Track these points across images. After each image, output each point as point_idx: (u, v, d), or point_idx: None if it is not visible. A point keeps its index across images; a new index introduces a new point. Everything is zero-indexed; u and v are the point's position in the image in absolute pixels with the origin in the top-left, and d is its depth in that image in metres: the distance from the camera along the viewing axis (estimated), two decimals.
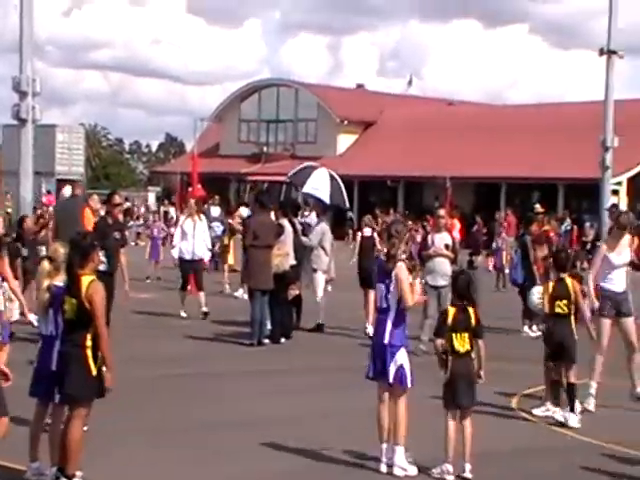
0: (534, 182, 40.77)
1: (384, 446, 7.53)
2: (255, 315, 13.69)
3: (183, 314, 16.17)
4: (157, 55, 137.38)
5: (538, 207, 22.67)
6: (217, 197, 29.54)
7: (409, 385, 7.62)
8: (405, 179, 45.32)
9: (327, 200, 15.79)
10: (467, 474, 7.45)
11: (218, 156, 51.93)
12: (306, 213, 18.07)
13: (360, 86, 58.17)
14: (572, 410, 9.23)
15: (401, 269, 7.59)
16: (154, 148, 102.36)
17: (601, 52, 24.88)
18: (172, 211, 41.92)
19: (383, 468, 7.51)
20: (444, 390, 7.66)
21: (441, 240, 13.87)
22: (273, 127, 52.33)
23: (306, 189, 15.98)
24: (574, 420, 9.17)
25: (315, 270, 15.55)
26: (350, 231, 26.82)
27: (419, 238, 24.96)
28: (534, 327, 15.62)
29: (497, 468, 7.88)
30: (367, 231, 16.93)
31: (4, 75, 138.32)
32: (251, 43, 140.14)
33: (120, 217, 13.62)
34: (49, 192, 37.23)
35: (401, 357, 7.55)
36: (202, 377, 11.43)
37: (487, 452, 8.25)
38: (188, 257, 16.40)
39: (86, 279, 6.79)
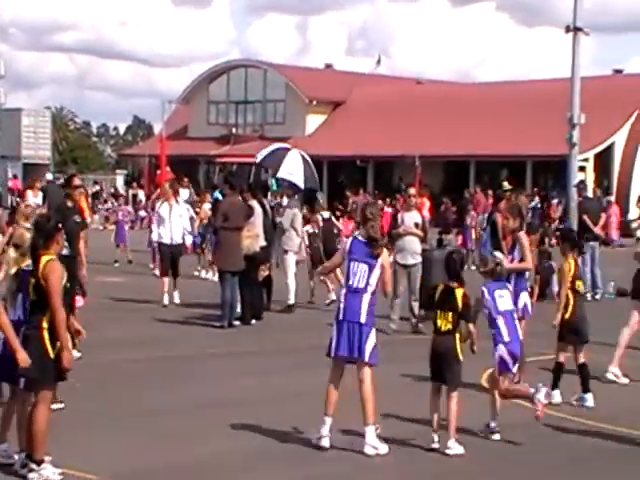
0: (502, 160, 40.93)
1: (328, 420, 7.56)
2: (225, 297, 13.67)
3: (165, 301, 15.59)
4: (124, 37, 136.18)
5: (506, 184, 22.80)
6: (186, 180, 29.40)
7: (377, 363, 7.70)
8: (374, 159, 45.34)
9: (302, 185, 15.73)
10: (448, 450, 7.53)
11: (187, 138, 51.67)
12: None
13: (329, 66, 57.99)
14: (586, 391, 9.25)
15: (387, 256, 7.72)
16: (122, 131, 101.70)
17: (567, 29, 24.95)
18: (141, 194, 41.71)
19: (325, 442, 7.53)
20: (429, 364, 7.80)
21: (411, 219, 13.90)
22: (242, 108, 52.11)
23: (281, 174, 15.89)
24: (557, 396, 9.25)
25: (286, 251, 15.55)
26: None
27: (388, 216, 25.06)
28: None
29: (472, 442, 7.95)
30: (325, 214, 16.94)
31: None
32: (219, 24, 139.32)
33: (81, 200, 13.43)
34: (15, 176, 36.88)
35: (374, 336, 7.63)
36: (172, 360, 11.42)
37: (465, 428, 8.33)
38: (167, 241, 16.05)
39: (45, 258, 6.78)
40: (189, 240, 16.99)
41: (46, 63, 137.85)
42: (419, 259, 13.82)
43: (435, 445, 7.60)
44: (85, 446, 7.59)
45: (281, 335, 13.43)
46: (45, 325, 6.75)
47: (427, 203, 28.59)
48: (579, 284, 9.45)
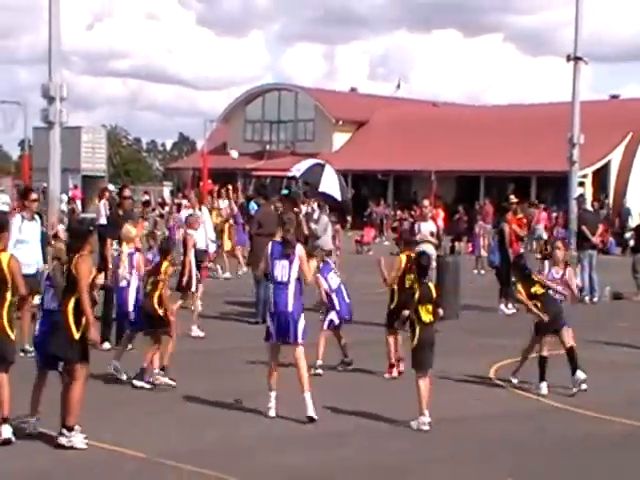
0: (509, 175, 40.72)
1: (273, 394, 8.03)
2: (260, 296, 13.69)
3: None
4: (171, 63, 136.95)
5: (513, 197, 22.72)
6: (224, 191, 29.49)
7: (303, 340, 8.09)
8: (394, 173, 45.25)
9: (339, 198, 15.84)
10: (426, 423, 7.71)
11: (226, 154, 51.83)
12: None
13: (353, 90, 57.96)
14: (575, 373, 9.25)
15: (302, 250, 8.14)
16: (169, 147, 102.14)
17: (568, 58, 24.85)
18: (184, 203, 41.82)
19: (272, 413, 7.95)
20: (413, 355, 7.87)
21: (426, 228, 13.92)
22: (275, 127, 52.22)
23: (322, 188, 15.87)
24: (544, 388, 9.23)
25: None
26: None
27: (405, 225, 25.03)
28: (509, 305, 15.68)
29: (473, 431, 7.94)
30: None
31: (35, 83, 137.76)
32: (255, 52, 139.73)
33: (131, 208, 13.48)
34: (75, 187, 37.17)
35: (302, 319, 8.07)
36: (212, 352, 11.47)
37: (466, 417, 8.33)
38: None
39: (77, 255, 7.10)
40: (212, 248, 16.04)
41: (102, 86, 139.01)
42: (434, 264, 13.78)
43: (426, 427, 7.74)
44: (135, 428, 7.66)
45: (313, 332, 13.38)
46: (70, 309, 6.99)
47: (442, 214, 28.52)
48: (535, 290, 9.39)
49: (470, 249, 26.15)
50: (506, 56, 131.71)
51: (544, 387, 9.24)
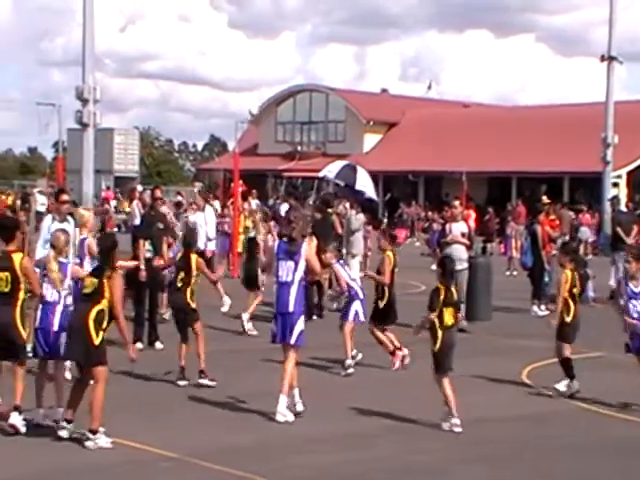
0: (542, 176, 40.41)
1: (295, 391, 7.91)
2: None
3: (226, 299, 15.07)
4: (202, 65, 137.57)
5: (545, 199, 22.53)
6: (254, 191, 29.68)
7: (302, 345, 8.02)
8: (425, 174, 45.10)
9: (375, 197, 15.94)
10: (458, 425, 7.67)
11: (257, 155, 51.94)
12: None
13: (384, 90, 57.84)
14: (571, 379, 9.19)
15: (306, 248, 8.07)
16: (200, 148, 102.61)
17: (602, 58, 24.60)
18: (216, 204, 42.02)
19: (281, 418, 7.76)
20: (436, 358, 7.82)
21: (458, 228, 13.85)
22: (306, 128, 52.27)
23: (358, 187, 15.95)
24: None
25: (353, 255, 15.47)
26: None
27: (436, 226, 24.94)
28: (542, 307, 15.55)
29: (504, 432, 7.89)
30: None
31: (69, 85, 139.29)
32: (286, 53, 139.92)
33: (164, 209, 13.55)
34: (108, 188, 37.52)
35: (301, 323, 7.93)
36: (244, 352, 11.49)
37: (498, 418, 8.27)
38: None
39: (109, 271, 7.20)
40: (211, 246, 15.37)
41: (134, 88, 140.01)
42: (465, 265, 13.74)
43: (458, 429, 7.69)
44: (165, 427, 7.70)
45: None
46: (92, 316, 7.09)
47: (473, 214, 28.35)
48: (575, 291, 9.29)
49: (502, 250, 25.97)
50: (538, 56, 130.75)
51: (575, 385, 9.16)
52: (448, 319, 7.82)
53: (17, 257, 7.31)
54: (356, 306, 10.26)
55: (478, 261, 14.80)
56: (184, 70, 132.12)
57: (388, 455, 7.21)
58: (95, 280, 7.21)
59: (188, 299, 9.43)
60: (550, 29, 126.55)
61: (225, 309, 14.76)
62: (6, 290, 7.25)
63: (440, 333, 7.78)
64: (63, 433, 7.12)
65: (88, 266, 8.91)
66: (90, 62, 16.38)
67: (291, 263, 7.94)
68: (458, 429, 7.70)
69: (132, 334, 11.01)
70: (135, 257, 11.69)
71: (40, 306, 7.53)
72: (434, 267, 21.51)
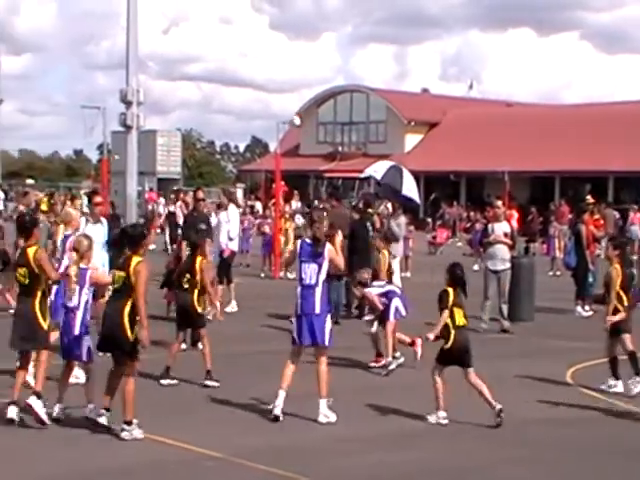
0: (585, 175, 39.91)
1: (283, 393, 7.83)
2: (332, 298, 13.68)
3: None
4: (244, 67, 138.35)
5: (589, 198, 22.26)
6: (296, 192, 29.76)
7: (331, 345, 7.95)
8: (467, 174, 44.81)
9: (418, 201, 15.88)
10: (499, 406, 7.74)
11: (298, 155, 52.07)
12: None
13: (425, 90, 57.62)
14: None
15: (329, 248, 7.93)
16: (241, 149, 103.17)
17: None
18: (258, 205, 42.28)
19: (278, 411, 7.75)
20: (442, 354, 7.90)
21: (500, 228, 13.75)
22: (347, 129, 52.27)
23: (405, 192, 15.84)
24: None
25: (394, 256, 15.38)
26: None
27: (478, 226, 24.75)
28: (586, 307, 15.37)
29: (548, 433, 7.81)
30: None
31: (113, 88, 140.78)
32: (326, 54, 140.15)
33: (206, 210, 13.59)
34: (151, 189, 37.88)
35: (329, 322, 7.90)
36: (279, 353, 11.48)
37: (541, 419, 8.20)
38: (215, 248, 14.24)
39: (135, 259, 7.40)
40: (231, 245, 14.52)
41: (177, 90, 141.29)
42: (508, 265, 13.64)
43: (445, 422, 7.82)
44: (208, 427, 7.74)
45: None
46: (126, 311, 7.28)
47: (515, 214, 28.11)
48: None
49: (544, 250, 25.71)
50: (582, 54, 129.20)
51: (619, 385, 9.05)
52: (459, 319, 7.89)
53: (31, 250, 7.63)
54: (395, 303, 10.22)
55: (521, 261, 14.68)
56: (226, 72, 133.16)
57: (431, 456, 7.18)
58: (122, 274, 7.39)
59: (195, 301, 9.33)
60: (594, 26, 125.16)
61: (228, 309, 14.38)
62: (26, 283, 7.64)
63: (453, 332, 7.87)
64: (102, 420, 7.38)
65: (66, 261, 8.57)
66: (134, 65, 16.59)
67: (314, 266, 7.83)
68: (445, 421, 7.80)
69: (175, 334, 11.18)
70: (177, 258, 11.81)
71: (62, 311, 7.82)
72: (476, 267, 21.45)
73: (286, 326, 13.62)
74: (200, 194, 12.74)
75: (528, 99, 61.14)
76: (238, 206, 15.48)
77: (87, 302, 7.76)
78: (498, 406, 7.77)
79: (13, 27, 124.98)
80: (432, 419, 7.87)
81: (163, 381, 9.17)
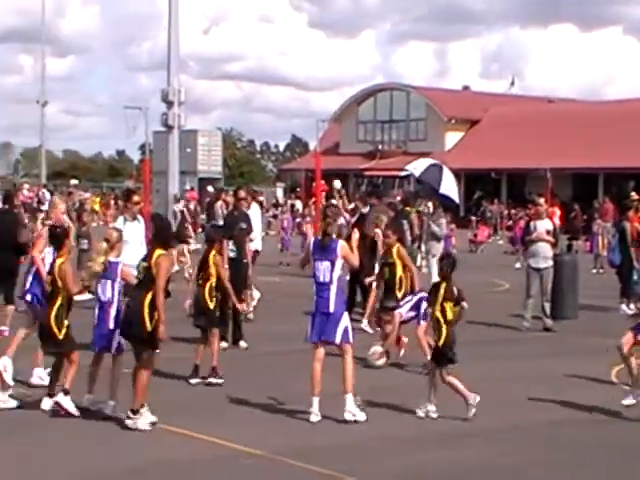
0: (630, 172, 39.32)
1: (316, 399, 7.70)
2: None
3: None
4: (284, 65, 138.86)
5: (634, 195, 21.92)
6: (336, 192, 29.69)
7: (352, 341, 7.83)
8: (508, 171, 44.43)
9: (457, 200, 15.73)
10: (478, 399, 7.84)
11: (338, 154, 52.06)
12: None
13: (466, 87, 57.22)
14: None
15: (343, 247, 7.81)
16: (281, 148, 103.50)
17: None
18: (298, 204, 42.34)
19: (314, 418, 7.66)
20: (441, 353, 7.88)
21: (542, 226, 13.59)
22: (387, 127, 52.14)
23: (442, 190, 15.71)
24: None
25: (434, 255, 15.30)
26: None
27: (522, 224, 24.52)
28: (631, 305, 15.14)
29: (591, 434, 7.69)
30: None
31: (155, 88, 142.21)
32: (366, 52, 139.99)
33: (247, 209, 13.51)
34: (192, 189, 38.11)
35: (345, 320, 7.80)
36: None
37: (587, 420, 8.08)
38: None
39: (158, 252, 7.54)
40: (254, 245, 13.51)
41: (217, 90, 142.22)
42: (550, 263, 13.47)
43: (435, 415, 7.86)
44: (243, 425, 7.72)
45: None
46: (146, 302, 7.39)
47: (558, 212, 27.80)
48: None
49: (588, 248, 25.39)
50: (625, 49, 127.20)
51: None
52: (450, 313, 7.90)
53: (59, 261, 7.87)
54: (424, 306, 9.90)
55: (564, 259, 14.50)
56: (265, 70, 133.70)
57: (474, 455, 7.10)
58: (145, 264, 7.52)
59: (205, 296, 9.21)
60: (638, 20, 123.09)
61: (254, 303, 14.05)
62: (49, 290, 7.94)
63: (445, 328, 7.87)
64: (107, 410, 7.64)
65: (50, 256, 8.48)
66: (175, 65, 16.73)
67: (327, 263, 7.75)
68: (434, 415, 7.81)
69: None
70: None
71: (97, 305, 7.99)
72: (518, 265, 21.23)
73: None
74: (242, 193, 12.74)
75: (570, 95, 60.54)
76: (261, 205, 15.27)
77: (120, 295, 7.87)
78: (474, 401, 7.82)
79: (58, 29, 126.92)
80: (421, 412, 7.86)
81: (192, 380, 9.08)
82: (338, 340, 7.80)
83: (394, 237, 10.78)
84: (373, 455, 7.06)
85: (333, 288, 7.76)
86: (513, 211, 35.93)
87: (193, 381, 9.11)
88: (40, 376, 8.68)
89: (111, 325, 7.82)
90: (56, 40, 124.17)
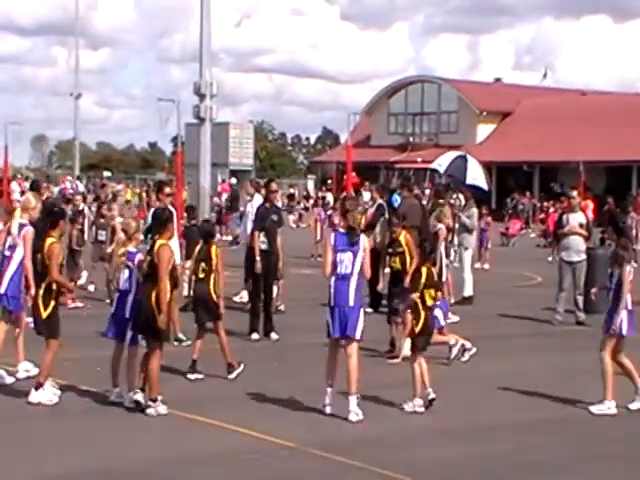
0: None
1: (330, 390, 7.68)
2: None
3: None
4: (315, 58, 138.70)
5: None
6: (367, 183, 29.64)
7: (361, 340, 7.74)
8: (540, 164, 44.03)
9: (486, 188, 15.61)
10: (432, 395, 7.82)
11: (369, 146, 51.92)
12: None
13: (498, 80, 56.73)
14: None
15: (366, 241, 7.75)
16: (312, 141, 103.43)
17: None
18: (329, 196, 42.32)
19: (328, 409, 7.61)
20: (416, 339, 7.88)
21: (575, 219, 13.44)
22: (418, 119, 51.89)
23: (469, 181, 15.59)
24: None
25: (466, 248, 15.18)
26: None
27: (554, 217, 24.28)
28: None
29: (625, 429, 7.58)
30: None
31: (187, 81, 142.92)
32: (398, 44, 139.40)
33: (278, 201, 13.50)
34: (223, 181, 38.25)
35: (362, 315, 7.71)
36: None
37: (617, 415, 7.98)
38: (243, 239, 14.62)
39: (159, 242, 7.57)
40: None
41: (248, 82, 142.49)
42: (583, 256, 13.32)
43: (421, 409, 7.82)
44: (284, 418, 7.71)
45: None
46: (154, 296, 7.43)
47: (591, 205, 27.50)
48: None
49: None
50: None
51: None
52: (429, 300, 7.92)
53: (48, 241, 7.79)
54: (435, 312, 9.20)
55: (597, 252, 14.32)
56: (297, 63, 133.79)
57: (509, 449, 7.03)
58: (148, 258, 7.55)
59: (211, 289, 8.98)
60: None
61: (236, 299, 13.94)
62: (39, 270, 7.82)
63: (423, 314, 7.88)
64: (138, 397, 7.58)
65: (21, 251, 8.37)
66: (207, 58, 16.77)
67: (349, 254, 7.61)
68: (421, 409, 7.77)
69: (248, 325, 11.23)
70: (250, 249, 11.84)
71: (116, 294, 8.04)
72: (550, 259, 21.03)
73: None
74: (273, 186, 12.71)
75: (603, 87, 59.77)
76: (293, 198, 15.13)
77: (138, 285, 7.81)
78: (432, 395, 7.80)
79: (91, 23, 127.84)
80: (408, 407, 7.80)
81: (190, 376, 8.85)
82: (358, 336, 7.66)
83: (399, 226, 10.38)
84: (410, 448, 7.00)
85: (354, 281, 7.61)
86: (545, 204, 35.62)
87: (192, 377, 8.85)
88: (26, 369, 8.56)
89: (127, 315, 7.83)
90: (89, 33, 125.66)
